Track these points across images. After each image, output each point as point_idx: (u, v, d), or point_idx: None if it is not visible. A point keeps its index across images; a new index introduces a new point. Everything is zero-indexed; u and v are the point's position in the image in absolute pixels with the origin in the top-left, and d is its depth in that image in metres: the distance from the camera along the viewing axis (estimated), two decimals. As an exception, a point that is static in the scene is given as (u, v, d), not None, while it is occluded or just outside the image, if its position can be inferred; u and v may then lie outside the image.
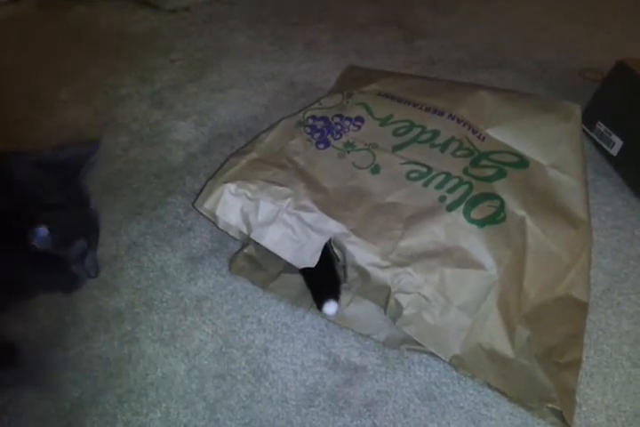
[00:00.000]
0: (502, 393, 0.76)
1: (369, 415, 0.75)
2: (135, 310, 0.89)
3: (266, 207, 0.84)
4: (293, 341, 0.84)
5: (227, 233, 0.91)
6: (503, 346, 0.76)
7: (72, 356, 0.83)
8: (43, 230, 0.61)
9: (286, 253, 0.83)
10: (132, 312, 0.88)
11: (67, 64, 1.55)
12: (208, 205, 0.87)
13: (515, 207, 0.83)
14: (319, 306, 0.84)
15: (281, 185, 0.86)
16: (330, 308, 0.83)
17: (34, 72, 1.52)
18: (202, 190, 0.89)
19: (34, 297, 0.74)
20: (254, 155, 0.93)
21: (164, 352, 0.83)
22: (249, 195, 0.85)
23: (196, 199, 0.90)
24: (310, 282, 0.88)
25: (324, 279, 0.86)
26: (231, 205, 0.86)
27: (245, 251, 0.94)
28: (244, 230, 0.85)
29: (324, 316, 0.85)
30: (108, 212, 1.06)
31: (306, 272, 0.86)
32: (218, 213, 0.86)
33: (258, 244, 0.88)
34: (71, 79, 1.48)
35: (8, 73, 1.52)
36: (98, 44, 1.65)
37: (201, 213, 0.91)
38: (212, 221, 0.89)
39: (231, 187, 0.86)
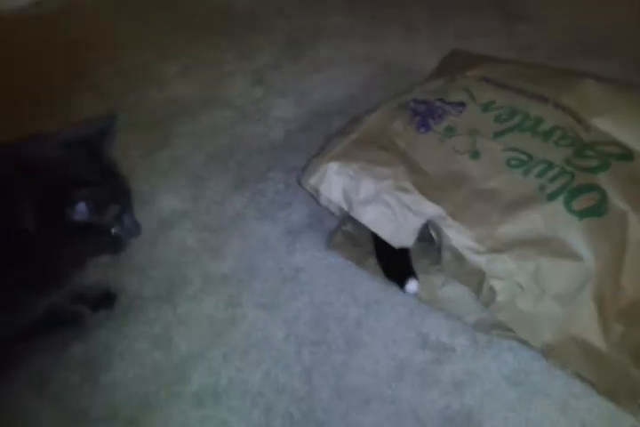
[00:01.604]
0: (592, 385, 0.76)
1: (456, 394, 0.78)
2: (239, 276, 0.95)
3: (366, 187, 0.87)
4: (385, 317, 0.88)
5: (325, 209, 0.95)
6: (596, 339, 0.76)
7: (181, 313, 0.90)
8: (81, 206, 0.65)
9: (384, 231, 0.86)
10: (236, 278, 0.95)
11: (174, 40, 1.63)
12: (312, 181, 0.90)
13: (617, 201, 0.82)
14: (401, 284, 0.87)
15: (382, 166, 0.88)
16: (412, 286, 0.86)
17: (144, 47, 1.61)
18: (307, 167, 0.93)
19: (87, 262, 0.78)
20: (357, 135, 0.96)
21: (264, 317, 0.89)
22: (351, 174, 0.88)
23: (301, 176, 0.94)
24: (387, 262, 0.91)
25: (402, 259, 0.89)
26: (334, 182, 0.89)
27: (344, 228, 0.98)
28: (345, 208, 0.89)
29: (414, 295, 0.88)
30: (215, 182, 1.13)
31: (382, 252, 0.90)
32: (321, 189, 0.90)
33: (356, 222, 0.92)
34: (178, 55, 1.56)
35: (120, 47, 1.62)
36: (202, 22, 1.72)
37: (303, 189, 0.96)
38: (315, 196, 0.93)
39: (334, 165, 0.89)
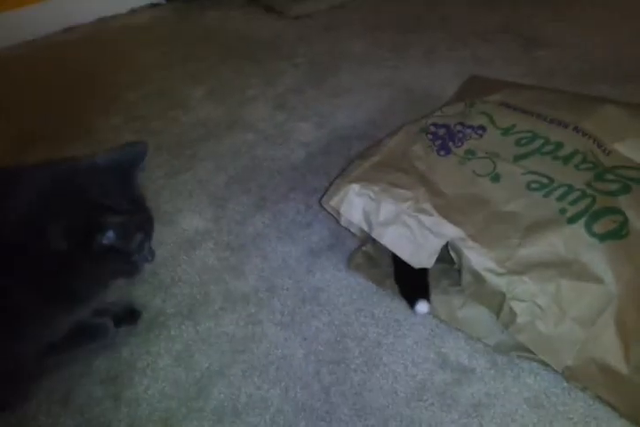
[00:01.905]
0: (614, 408, 0.75)
1: (476, 416, 0.77)
2: (259, 294, 0.97)
3: (387, 208, 0.88)
4: (405, 337, 0.88)
5: (345, 229, 0.97)
6: (617, 362, 0.76)
7: (202, 330, 0.92)
8: (110, 233, 0.68)
9: (404, 252, 0.87)
10: (256, 296, 0.96)
11: (200, 65, 1.68)
12: (334, 202, 0.92)
13: (638, 224, 0.82)
14: (412, 304, 0.88)
15: (402, 188, 0.90)
16: (422, 307, 0.87)
17: (171, 71, 1.66)
18: (328, 189, 0.95)
19: (106, 285, 0.80)
20: (377, 158, 0.98)
21: (284, 335, 0.90)
22: (372, 195, 0.90)
23: (322, 197, 0.96)
24: (403, 280, 0.92)
25: (418, 279, 0.89)
26: (355, 204, 0.91)
27: (364, 249, 0.99)
28: (366, 228, 0.90)
29: (435, 316, 0.89)
30: (236, 203, 1.16)
31: (400, 270, 0.91)
32: (342, 210, 0.92)
33: (376, 242, 0.93)
34: (204, 79, 1.61)
35: (148, 71, 1.68)
36: (227, 48, 1.78)
37: (323, 209, 0.98)
38: (335, 217, 0.95)
39: (356, 187, 0.91)
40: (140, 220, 0.72)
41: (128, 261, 0.73)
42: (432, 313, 0.89)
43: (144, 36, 1.92)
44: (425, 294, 0.88)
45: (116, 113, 1.49)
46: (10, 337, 0.72)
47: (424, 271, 0.89)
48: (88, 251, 0.67)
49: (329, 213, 0.97)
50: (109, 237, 0.68)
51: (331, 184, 0.95)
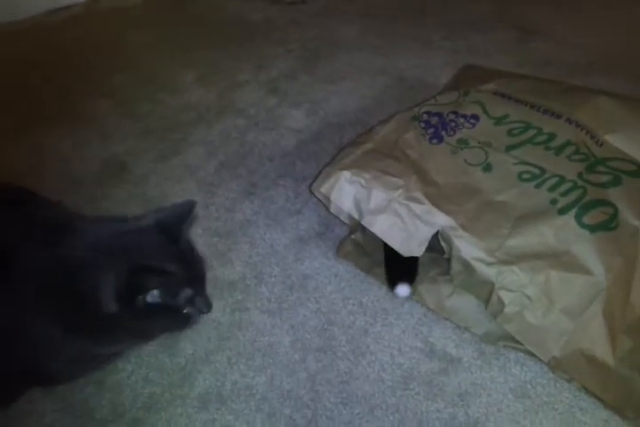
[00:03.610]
0: (599, 400, 0.76)
1: (462, 405, 0.77)
2: (246, 281, 0.96)
3: (378, 196, 0.88)
4: (392, 326, 0.87)
5: (334, 217, 0.96)
6: (604, 353, 0.76)
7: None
8: (154, 292, 0.68)
9: (394, 241, 0.86)
10: (243, 283, 0.95)
11: (191, 49, 1.66)
12: (324, 189, 0.91)
13: (629, 216, 0.82)
14: (392, 286, 0.88)
15: (394, 176, 0.89)
16: (402, 290, 0.87)
17: (161, 55, 1.64)
18: (318, 175, 0.94)
19: (157, 337, 0.83)
20: (369, 145, 0.96)
21: (270, 323, 0.89)
22: (363, 183, 0.89)
23: (312, 183, 0.95)
24: (390, 263, 0.92)
25: (405, 264, 0.89)
26: (345, 191, 0.90)
27: (353, 237, 0.98)
28: (356, 216, 0.89)
29: (423, 305, 0.89)
30: (225, 189, 1.14)
31: (389, 254, 0.90)
32: (332, 197, 0.91)
33: (365, 230, 0.92)
34: (195, 63, 1.58)
35: (138, 54, 1.65)
36: (219, 32, 1.75)
37: (313, 196, 0.97)
38: (325, 204, 0.94)
39: (347, 174, 0.90)
40: (187, 275, 0.73)
41: (178, 315, 0.74)
42: (416, 299, 0.90)
43: (134, 19, 1.88)
44: (408, 278, 0.88)
45: (105, 96, 1.47)
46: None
47: (414, 259, 0.89)
48: (133, 310, 0.68)
49: (319, 200, 0.96)
50: (154, 295, 0.69)
51: (321, 171, 0.94)
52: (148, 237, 0.74)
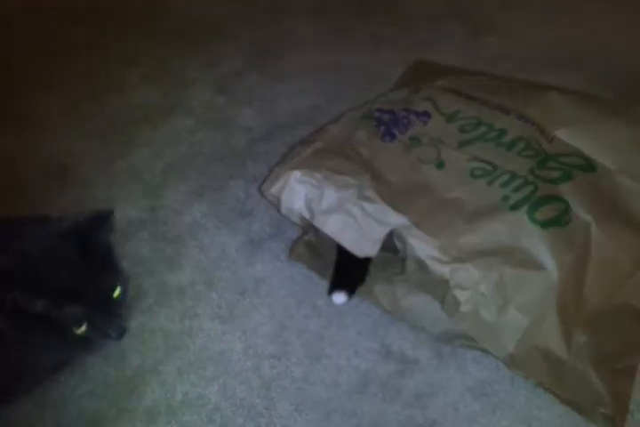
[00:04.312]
0: (555, 395, 0.75)
1: (419, 406, 0.76)
2: (196, 287, 0.92)
3: (330, 196, 0.85)
4: (348, 328, 0.86)
5: (287, 219, 0.93)
6: (559, 348, 0.76)
7: (134, 326, 0.86)
8: (40, 302, 0.66)
9: (347, 241, 0.84)
10: (193, 289, 0.92)
11: (137, 45, 1.60)
12: (274, 189, 0.88)
13: (580, 211, 0.82)
14: (330, 291, 0.87)
15: (346, 175, 0.87)
16: (338, 298, 0.86)
17: (105, 51, 1.57)
18: (268, 176, 0.91)
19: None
20: (320, 144, 0.94)
21: (222, 329, 0.86)
22: (314, 182, 0.87)
23: (262, 184, 0.92)
24: (338, 267, 0.90)
25: (352, 271, 0.88)
26: (296, 191, 0.87)
27: (305, 238, 0.96)
28: (307, 217, 0.87)
29: (379, 306, 0.87)
30: (173, 191, 1.10)
31: (341, 258, 0.88)
32: (283, 198, 0.88)
33: (317, 231, 0.90)
34: (140, 61, 1.52)
35: (80, 51, 1.58)
36: (166, 28, 1.69)
37: (263, 198, 0.94)
38: (276, 205, 0.91)
39: (297, 174, 0.87)
40: (80, 290, 0.69)
41: (67, 335, 0.69)
42: (372, 301, 0.88)
43: (76, 11, 1.81)
44: (346, 286, 0.87)
45: (45, 95, 1.40)
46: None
47: (366, 261, 0.87)
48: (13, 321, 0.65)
49: (269, 201, 0.93)
50: (33, 306, 0.65)
51: (271, 171, 0.91)
52: (46, 242, 0.70)
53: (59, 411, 0.77)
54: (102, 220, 0.74)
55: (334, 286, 0.87)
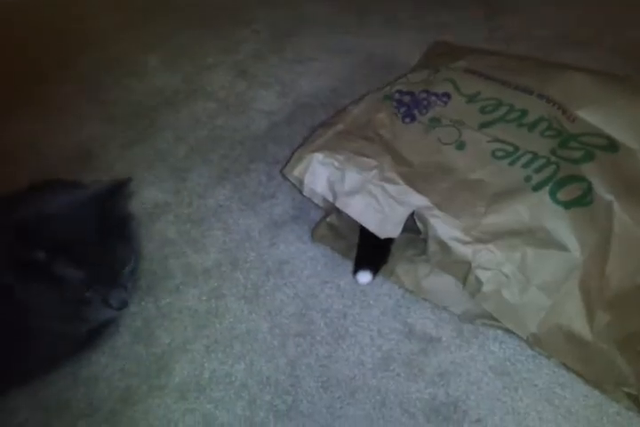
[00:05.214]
0: (578, 375, 0.76)
1: (442, 384, 0.77)
2: (222, 268, 0.94)
3: (352, 177, 0.86)
4: (370, 308, 0.87)
5: (309, 201, 0.94)
6: (582, 328, 0.76)
7: (163, 306, 0.89)
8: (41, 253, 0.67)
9: (369, 222, 0.85)
10: (218, 270, 0.94)
11: (155, 31, 1.61)
12: (297, 172, 0.89)
13: (602, 191, 0.82)
14: (355, 271, 0.88)
15: (367, 157, 0.87)
16: (363, 277, 0.87)
17: (127, 37, 1.58)
18: (290, 158, 0.92)
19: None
20: (341, 126, 0.95)
21: (248, 309, 0.88)
22: (336, 164, 0.87)
23: (284, 166, 0.93)
24: (361, 247, 0.91)
25: (373, 250, 0.88)
26: (318, 173, 0.88)
27: (328, 220, 0.97)
28: (330, 198, 0.88)
29: (401, 286, 0.88)
30: (197, 175, 1.12)
31: (364, 238, 0.89)
32: (305, 180, 0.89)
33: (340, 213, 0.91)
34: (159, 46, 1.54)
35: (102, 37, 1.59)
36: (183, 13, 1.70)
37: (286, 180, 0.95)
38: (298, 188, 0.92)
39: (319, 156, 0.88)
40: (91, 256, 0.70)
41: (78, 298, 0.71)
42: (393, 281, 0.89)
43: (98, 1, 1.82)
44: (371, 266, 0.87)
45: (69, 81, 1.42)
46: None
47: (388, 242, 0.88)
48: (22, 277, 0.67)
49: (292, 183, 0.94)
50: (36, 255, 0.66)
51: (293, 154, 0.92)
52: (67, 206, 0.72)
53: (90, 388, 0.80)
54: (119, 188, 0.75)
55: (359, 266, 0.88)
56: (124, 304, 0.75)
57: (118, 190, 0.75)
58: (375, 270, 0.87)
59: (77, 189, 0.75)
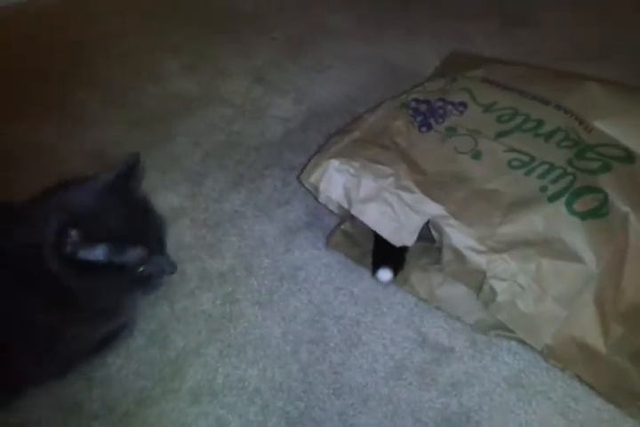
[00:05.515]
0: (592, 388, 0.76)
1: (455, 394, 0.77)
2: (236, 273, 0.94)
3: (367, 185, 0.86)
4: (384, 316, 0.87)
5: (323, 207, 0.95)
6: (596, 341, 0.76)
7: (178, 309, 0.89)
8: (97, 249, 0.67)
9: (384, 230, 0.85)
10: (233, 275, 0.94)
11: (175, 37, 1.62)
12: (313, 178, 0.90)
13: (618, 202, 0.81)
14: (374, 270, 0.88)
15: (383, 164, 0.88)
16: (384, 274, 0.87)
17: (145, 42, 1.60)
18: (306, 165, 0.92)
19: (124, 299, 0.81)
20: (358, 134, 0.95)
21: (261, 314, 0.88)
22: (352, 171, 0.88)
23: (301, 173, 0.93)
24: (377, 248, 0.91)
25: (393, 250, 0.88)
26: (334, 180, 0.89)
27: (343, 227, 0.97)
28: (345, 205, 0.88)
29: (414, 295, 0.88)
30: (212, 180, 1.13)
31: (379, 244, 0.89)
32: (321, 187, 0.89)
33: (354, 220, 0.91)
34: (179, 51, 1.55)
35: (121, 41, 1.61)
36: (203, 20, 1.71)
37: (301, 186, 0.96)
38: (314, 194, 0.93)
39: (335, 163, 0.89)
40: (138, 233, 0.71)
41: (132, 275, 0.72)
42: (407, 289, 0.89)
43: (118, 4, 1.84)
44: (391, 263, 0.88)
45: (87, 86, 1.43)
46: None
47: (403, 250, 0.88)
48: (75, 267, 0.67)
49: (307, 190, 0.95)
50: (96, 253, 0.67)
51: (309, 160, 0.93)
52: (94, 193, 0.72)
53: (105, 390, 0.80)
54: (133, 164, 0.75)
55: (378, 264, 0.88)
56: (176, 267, 0.77)
57: (133, 167, 0.76)
58: (395, 268, 0.87)
59: (93, 180, 0.75)
